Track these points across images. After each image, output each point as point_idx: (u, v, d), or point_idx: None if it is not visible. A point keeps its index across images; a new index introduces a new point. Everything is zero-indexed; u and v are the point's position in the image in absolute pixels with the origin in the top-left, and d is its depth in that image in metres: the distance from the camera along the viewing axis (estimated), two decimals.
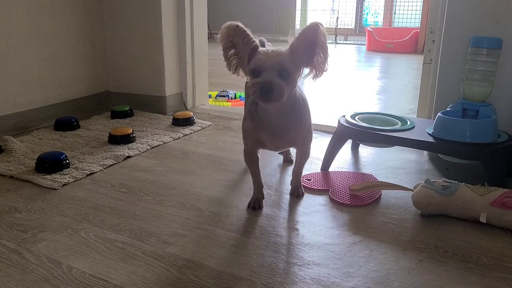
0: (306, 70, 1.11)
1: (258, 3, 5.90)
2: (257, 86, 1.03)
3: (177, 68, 2.22)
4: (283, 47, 1.11)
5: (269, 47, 1.13)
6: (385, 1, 5.77)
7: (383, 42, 5.03)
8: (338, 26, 5.93)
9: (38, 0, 1.93)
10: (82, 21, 2.13)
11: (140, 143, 1.76)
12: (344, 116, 1.62)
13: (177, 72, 2.22)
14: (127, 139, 1.75)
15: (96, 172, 1.49)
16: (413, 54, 4.86)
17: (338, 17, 5.98)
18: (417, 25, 5.16)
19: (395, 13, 5.67)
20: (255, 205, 1.24)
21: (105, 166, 1.53)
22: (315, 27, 1.05)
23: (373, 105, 2.68)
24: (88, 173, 1.47)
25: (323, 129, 2.00)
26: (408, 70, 4.16)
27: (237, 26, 1.09)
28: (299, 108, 1.17)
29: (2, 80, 1.84)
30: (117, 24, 2.20)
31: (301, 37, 1.05)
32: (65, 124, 1.92)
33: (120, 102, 2.23)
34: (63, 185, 1.39)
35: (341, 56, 5.11)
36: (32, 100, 1.96)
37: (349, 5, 6.45)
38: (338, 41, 5.83)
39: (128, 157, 1.63)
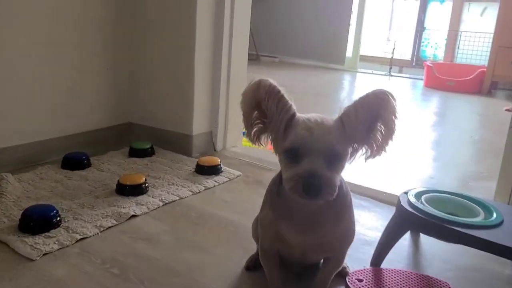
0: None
1: (308, 26, 5.61)
2: (299, 180, 0.76)
3: (209, 103, 1.94)
4: (330, 115, 0.83)
5: (310, 115, 0.83)
6: (448, 33, 5.30)
7: (444, 79, 4.58)
8: (393, 57, 5.53)
9: (59, 21, 1.72)
10: (108, 45, 1.91)
11: (152, 196, 1.48)
12: (406, 193, 1.26)
13: (208, 107, 1.94)
14: (137, 191, 1.47)
15: (89, 237, 1.21)
16: (476, 96, 4.37)
17: (394, 48, 5.57)
18: (484, 63, 4.67)
19: (458, 47, 5.18)
20: None
21: (102, 229, 1.25)
22: (384, 97, 0.79)
23: (425, 163, 2.23)
24: (79, 237, 1.20)
25: (368, 194, 1.64)
26: (471, 115, 3.69)
27: (271, 85, 0.80)
28: (341, 194, 0.85)
29: (11, 107, 1.62)
30: (146, 51, 1.95)
31: (362, 107, 0.78)
32: (73, 161, 1.67)
33: (143, 136, 1.97)
34: (44, 254, 1.11)
35: (395, 91, 4.70)
36: (43, 130, 1.73)
37: (406, 34, 6.03)
38: (392, 73, 5.42)
39: (134, 216, 1.35)
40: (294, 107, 0.82)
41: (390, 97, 0.79)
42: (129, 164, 1.75)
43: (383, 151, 0.82)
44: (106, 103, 1.95)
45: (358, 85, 4.99)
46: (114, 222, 1.30)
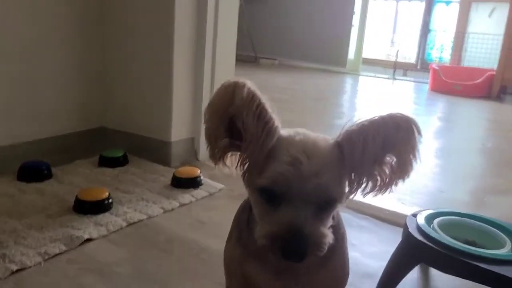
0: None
1: (309, 27, 5.39)
2: (276, 240, 0.56)
3: (190, 105, 1.72)
4: (324, 137, 0.61)
5: (297, 135, 0.60)
6: (455, 35, 5.07)
7: (450, 83, 4.35)
8: (397, 60, 5.32)
9: (15, 8, 1.51)
10: (78, 39, 1.70)
11: (116, 214, 1.26)
12: (414, 216, 1.04)
13: (189, 110, 1.72)
14: (98, 208, 1.26)
15: (29, 268, 1.00)
16: (485, 100, 4.14)
17: (398, 50, 5.35)
18: (493, 66, 4.44)
19: (466, 50, 4.95)
20: None
21: (46, 257, 1.04)
22: (407, 128, 0.58)
23: (433, 175, 1.96)
24: (15, 269, 0.98)
25: (368, 211, 1.42)
26: (480, 122, 3.46)
27: (249, 92, 0.57)
28: (331, 229, 0.63)
29: None
30: (119, 47, 1.74)
31: (373, 136, 0.57)
32: (30, 172, 1.45)
33: (117, 143, 1.76)
34: None
35: (398, 95, 4.48)
36: None
37: (411, 36, 5.81)
38: (396, 77, 5.19)
39: (88, 240, 1.13)
40: (278, 123, 0.59)
41: (415, 129, 0.58)
42: (96, 175, 1.54)
43: (389, 190, 0.60)
44: (75, 105, 1.74)
45: (361, 89, 4.77)
46: (63, 248, 1.08)
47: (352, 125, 0.58)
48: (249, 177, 0.60)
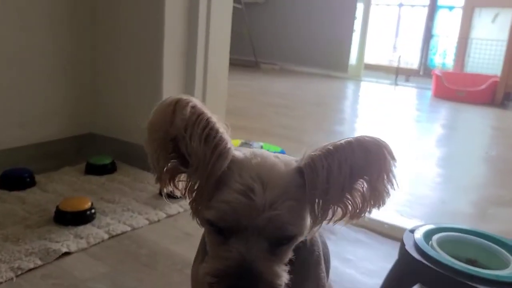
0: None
1: (310, 32, 5.33)
2: (223, 277, 0.49)
3: None
4: (286, 160, 0.55)
5: (253, 157, 0.53)
6: (458, 41, 5.00)
7: (453, 89, 4.28)
8: (399, 65, 5.25)
9: (6, 10, 1.46)
10: (66, 42, 1.64)
11: (98, 226, 1.20)
12: (412, 232, 0.98)
13: None
14: (80, 219, 1.20)
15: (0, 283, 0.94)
16: (489, 107, 4.06)
17: (400, 56, 5.29)
18: (496, 72, 4.37)
19: (469, 55, 4.88)
20: None
21: (20, 272, 0.98)
22: (379, 153, 0.51)
23: (434, 185, 1.90)
24: None
25: (365, 224, 1.35)
26: (484, 129, 3.39)
27: (195, 108, 0.51)
28: (302, 251, 0.58)
29: None
30: (109, 50, 1.68)
31: (339, 164, 0.50)
32: (12, 179, 1.39)
33: (106, 150, 1.70)
34: None
35: (400, 101, 4.41)
36: None
37: (413, 42, 5.75)
38: (398, 83, 5.12)
39: (66, 253, 1.07)
40: (230, 145, 0.52)
41: (387, 153, 0.51)
42: (82, 183, 1.48)
43: (362, 217, 0.54)
44: (62, 110, 1.68)
45: (362, 94, 4.71)
46: (39, 262, 1.02)
47: (315, 149, 0.52)
48: (196, 206, 0.53)
